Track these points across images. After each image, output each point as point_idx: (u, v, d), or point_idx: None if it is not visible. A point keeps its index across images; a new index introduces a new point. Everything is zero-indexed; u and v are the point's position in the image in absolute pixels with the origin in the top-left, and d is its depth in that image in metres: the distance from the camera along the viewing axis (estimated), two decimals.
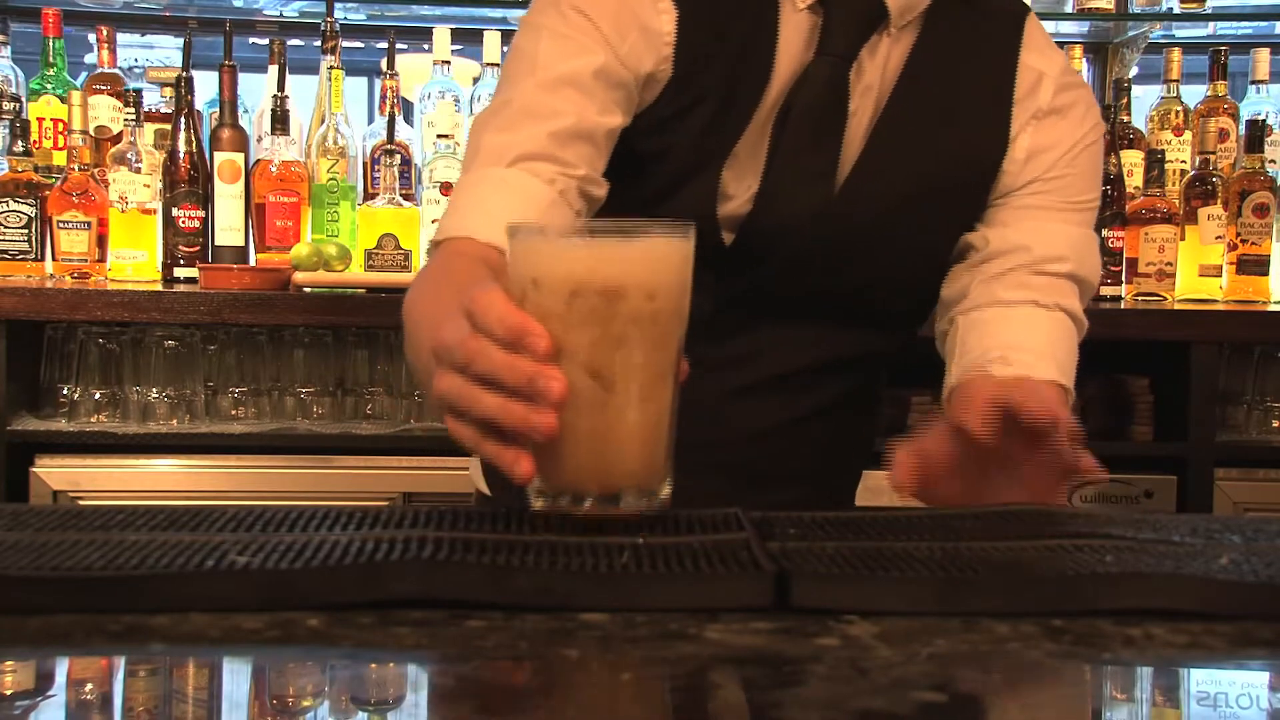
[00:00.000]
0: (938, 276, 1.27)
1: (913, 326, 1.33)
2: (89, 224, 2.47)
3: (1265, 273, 2.62)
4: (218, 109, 2.60)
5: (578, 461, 0.82)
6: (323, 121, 2.65)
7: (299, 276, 2.31)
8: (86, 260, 2.48)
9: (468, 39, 2.90)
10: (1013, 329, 1.18)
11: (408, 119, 2.77)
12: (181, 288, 2.37)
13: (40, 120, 2.67)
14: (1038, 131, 1.25)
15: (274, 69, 2.66)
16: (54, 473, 2.21)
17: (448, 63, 2.75)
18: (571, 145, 1.14)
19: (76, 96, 2.51)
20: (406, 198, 2.59)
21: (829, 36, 1.19)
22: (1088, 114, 1.27)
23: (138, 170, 2.52)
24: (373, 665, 0.63)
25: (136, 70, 2.91)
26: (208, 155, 2.56)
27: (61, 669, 0.66)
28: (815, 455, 1.30)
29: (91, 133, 2.59)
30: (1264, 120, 2.64)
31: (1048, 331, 1.19)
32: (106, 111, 2.67)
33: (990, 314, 1.21)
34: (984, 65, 1.25)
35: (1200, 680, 0.66)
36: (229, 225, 2.55)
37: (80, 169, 2.50)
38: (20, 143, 2.48)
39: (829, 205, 1.20)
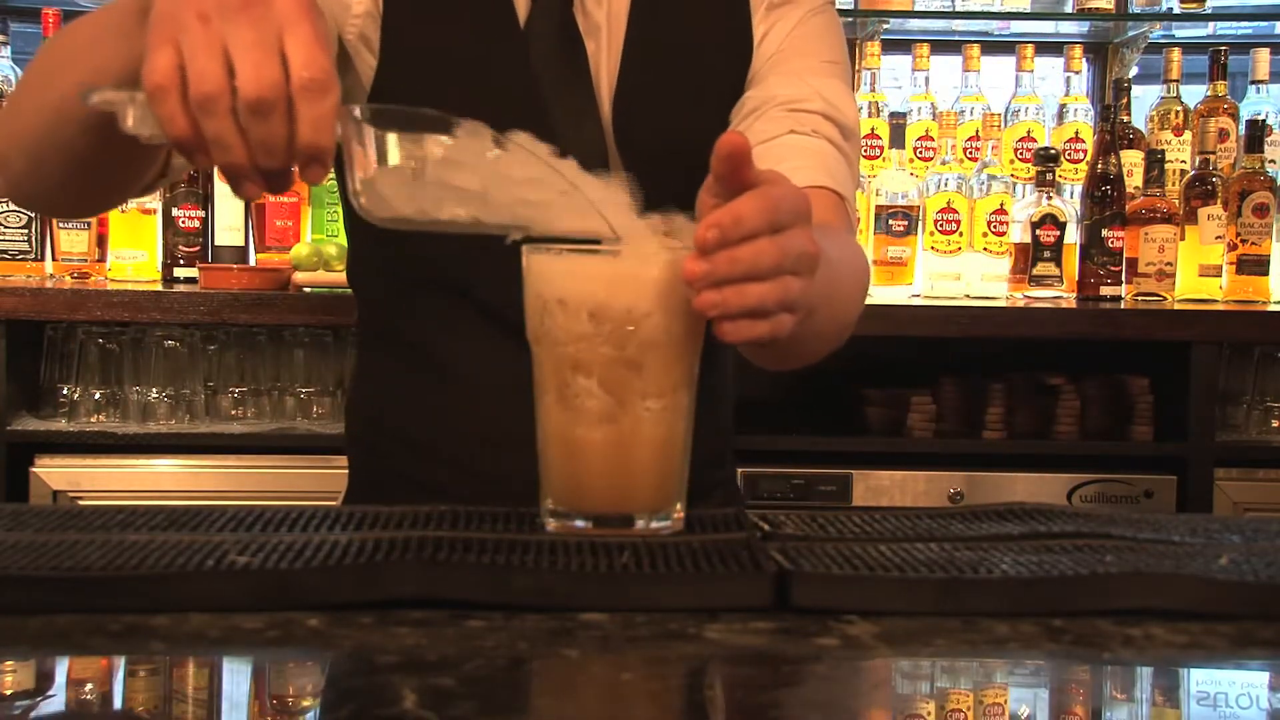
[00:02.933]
0: None
1: None
2: (89, 224, 2.47)
3: (1265, 273, 2.62)
4: None
5: (591, 480, 0.83)
6: None
7: (299, 276, 2.31)
8: (86, 260, 2.47)
9: None
10: (773, 157, 1.15)
11: None
12: (181, 288, 2.37)
13: None
14: (766, 20, 1.25)
15: None
16: (54, 473, 2.20)
17: None
18: None
19: None
20: None
21: None
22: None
23: None
24: (372, 665, 0.63)
25: None
26: None
27: (61, 669, 0.66)
28: None
29: None
30: (1264, 120, 2.63)
31: (812, 151, 1.18)
32: None
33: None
34: None
35: (1200, 680, 0.66)
36: (229, 225, 2.54)
37: None
38: None
39: (600, 143, 1.18)
